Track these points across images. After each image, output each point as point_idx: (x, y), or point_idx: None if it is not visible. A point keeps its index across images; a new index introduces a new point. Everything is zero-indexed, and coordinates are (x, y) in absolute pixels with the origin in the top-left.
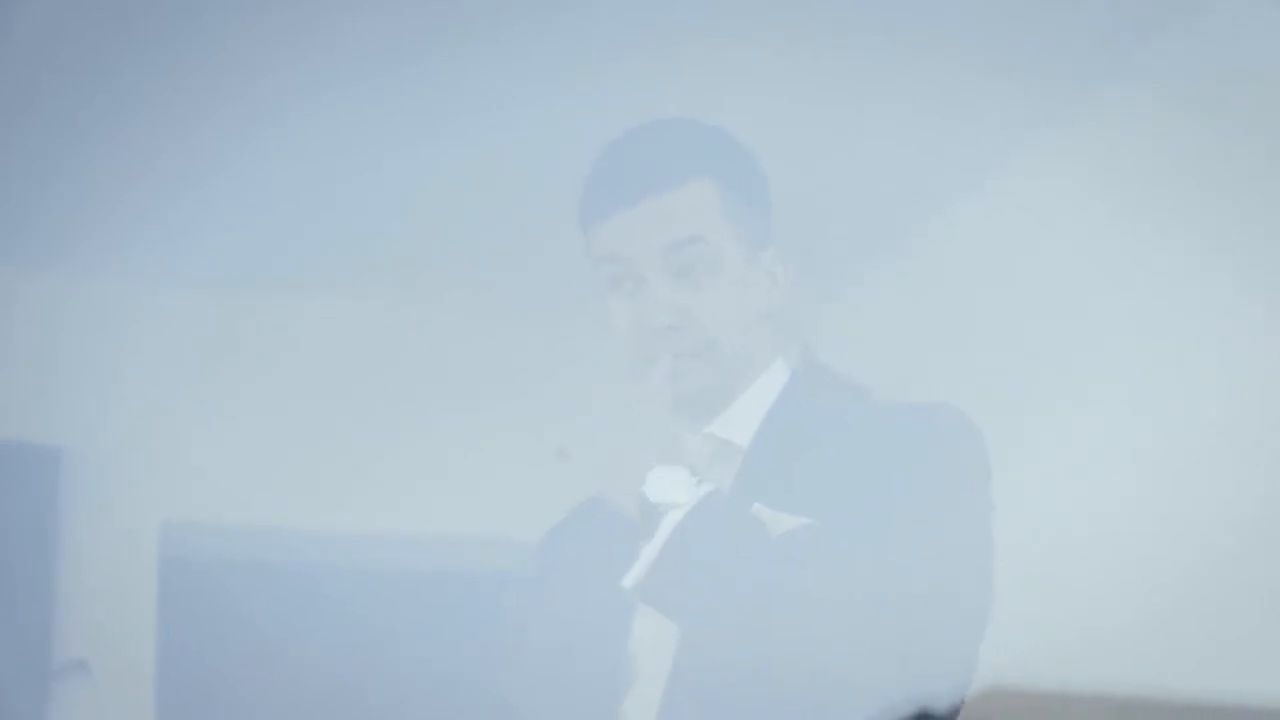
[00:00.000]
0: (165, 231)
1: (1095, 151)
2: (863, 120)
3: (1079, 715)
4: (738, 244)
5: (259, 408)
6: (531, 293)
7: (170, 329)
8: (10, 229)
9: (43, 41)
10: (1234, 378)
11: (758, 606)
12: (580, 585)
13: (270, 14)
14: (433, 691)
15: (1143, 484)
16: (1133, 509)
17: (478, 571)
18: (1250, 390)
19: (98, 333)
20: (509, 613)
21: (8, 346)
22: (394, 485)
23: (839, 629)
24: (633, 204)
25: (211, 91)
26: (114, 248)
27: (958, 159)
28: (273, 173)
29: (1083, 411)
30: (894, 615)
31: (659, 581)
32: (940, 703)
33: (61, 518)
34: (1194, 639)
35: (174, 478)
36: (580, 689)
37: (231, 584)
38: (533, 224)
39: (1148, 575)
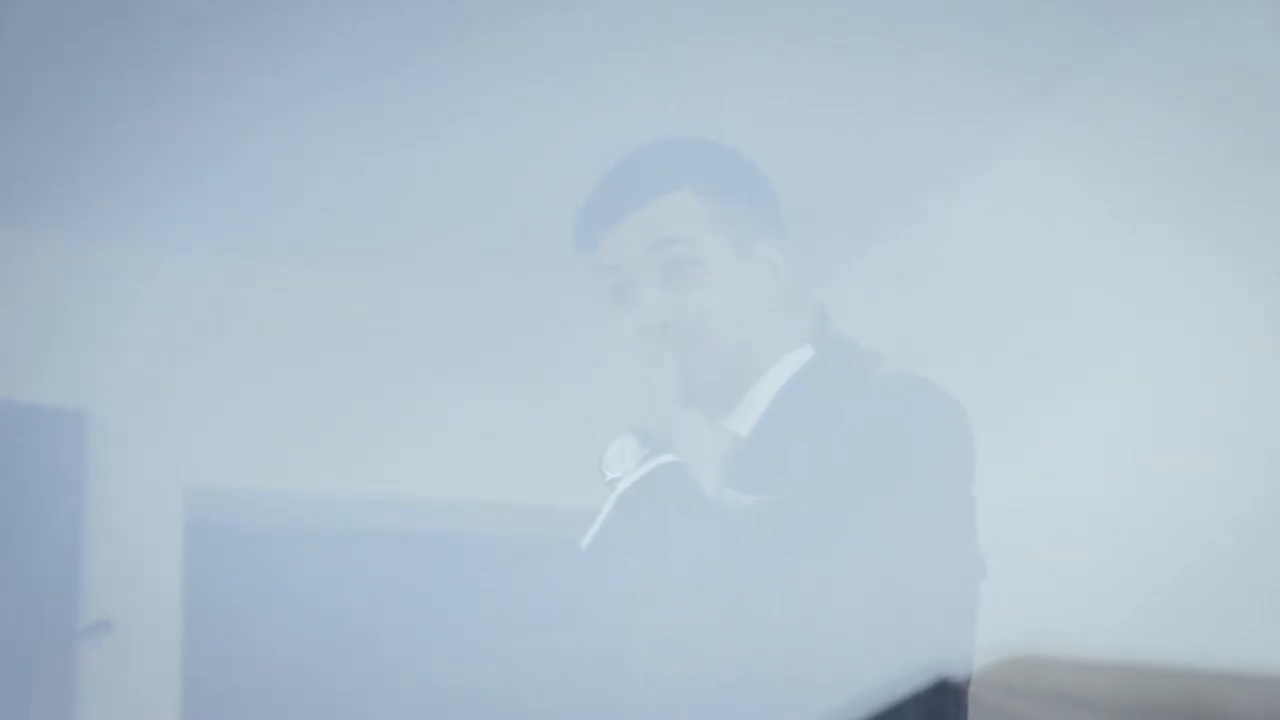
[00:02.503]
0: (196, 200)
1: (1091, 147)
2: (860, 117)
3: (1099, 682)
4: (723, 242)
5: (283, 375)
6: (545, 266)
7: (197, 296)
8: (43, 195)
9: (55, 25)
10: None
11: (712, 575)
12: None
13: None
14: (456, 653)
15: (1159, 462)
16: (1149, 486)
17: (500, 535)
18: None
19: (125, 299)
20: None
21: (37, 312)
22: (418, 450)
23: (810, 599)
24: (618, 220)
25: (230, 69)
26: (142, 215)
27: (953, 154)
28: (294, 146)
29: (1097, 396)
30: (879, 589)
31: (604, 546)
32: (955, 670)
33: (87, 481)
34: (1213, 608)
35: (199, 443)
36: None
37: (255, 547)
38: (537, 203)
39: (1167, 548)
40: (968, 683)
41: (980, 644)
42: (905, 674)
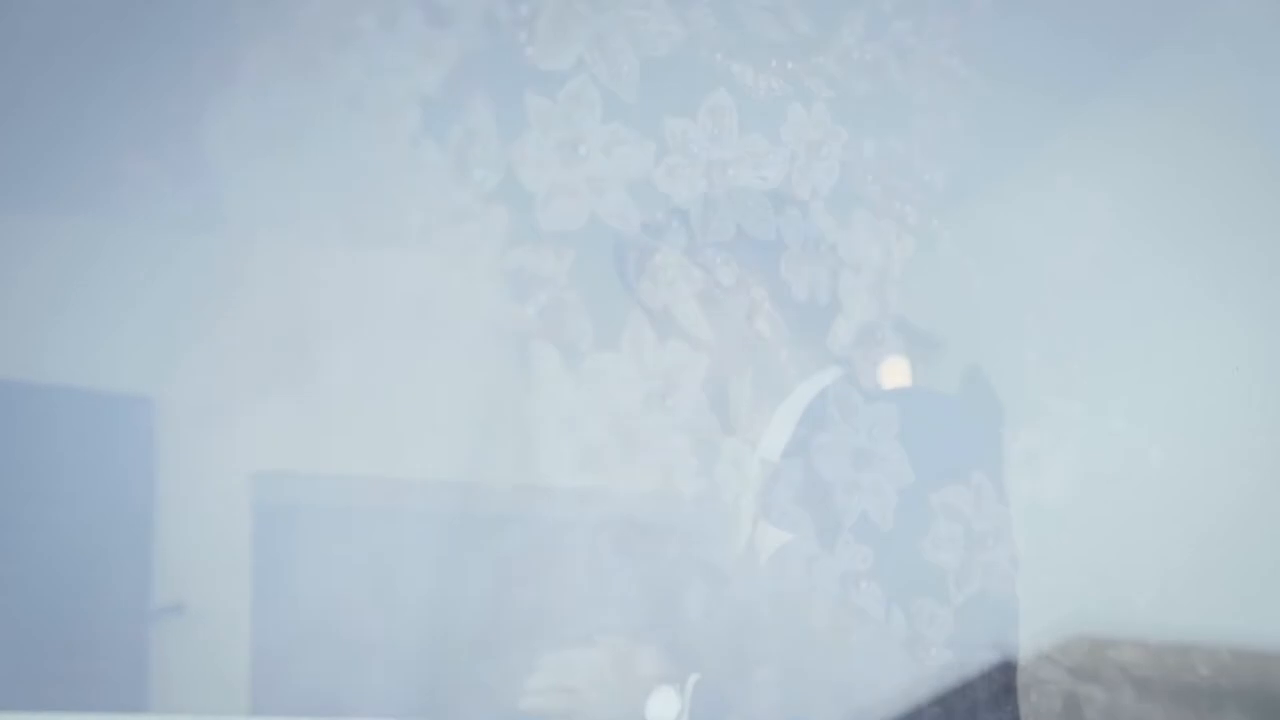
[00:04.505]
0: (265, 190)
1: (1108, 159)
2: (872, 124)
3: (1163, 663)
4: (689, 295)
5: (348, 362)
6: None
7: (261, 281)
8: (98, 180)
9: (55, 25)
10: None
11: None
12: None
13: None
14: (520, 634)
15: (1227, 444)
16: (1214, 467)
17: (566, 520)
18: None
19: (189, 284)
20: None
21: (101, 297)
22: (482, 438)
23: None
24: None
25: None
26: (205, 201)
27: (968, 161)
28: (352, 135)
29: (1155, 380)
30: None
31: None
32: (1020, 651)
33: (157, 466)
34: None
35: (267, 427)
36: None
37: (325, 531)
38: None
39: (1232, 530)
40: (1032, 663)
41: (1044, 625)
42: (971, 654)
